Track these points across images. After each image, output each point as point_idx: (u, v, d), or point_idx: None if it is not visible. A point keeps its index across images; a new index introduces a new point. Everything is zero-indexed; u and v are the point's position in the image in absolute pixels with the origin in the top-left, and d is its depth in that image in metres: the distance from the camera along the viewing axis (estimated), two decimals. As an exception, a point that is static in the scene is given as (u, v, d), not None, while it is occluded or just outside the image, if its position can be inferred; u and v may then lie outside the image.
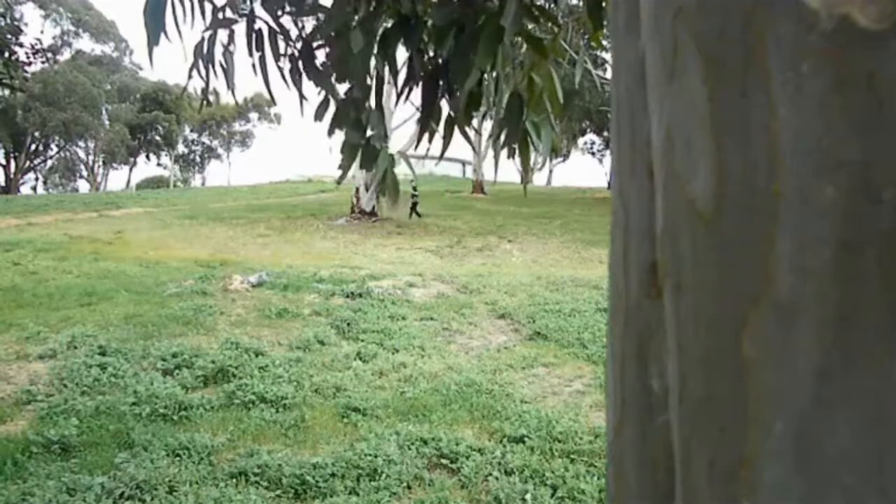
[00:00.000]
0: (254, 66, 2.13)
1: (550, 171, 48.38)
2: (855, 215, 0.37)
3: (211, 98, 2.25)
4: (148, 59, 1.98)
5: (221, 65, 2.14)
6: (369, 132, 2.07)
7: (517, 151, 2.05)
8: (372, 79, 2.02)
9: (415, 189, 20.44)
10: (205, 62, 2.09)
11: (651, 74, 0.50)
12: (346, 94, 2.08)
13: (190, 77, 2.15)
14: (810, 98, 0.38)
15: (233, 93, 2.24)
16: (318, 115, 2.10)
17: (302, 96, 2.20)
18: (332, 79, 2.06)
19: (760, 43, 0.40)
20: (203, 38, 2.09)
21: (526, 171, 2.11)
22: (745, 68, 0.40)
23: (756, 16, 0.40)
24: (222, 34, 2.11)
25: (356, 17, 1.92)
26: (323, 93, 2.13)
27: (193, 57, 2.09)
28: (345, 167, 2.06)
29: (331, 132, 2.06)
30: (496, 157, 2.15)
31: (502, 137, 2.04)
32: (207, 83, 2.16)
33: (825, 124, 0.37)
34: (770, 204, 0.39)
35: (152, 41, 1.90)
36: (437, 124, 2.07)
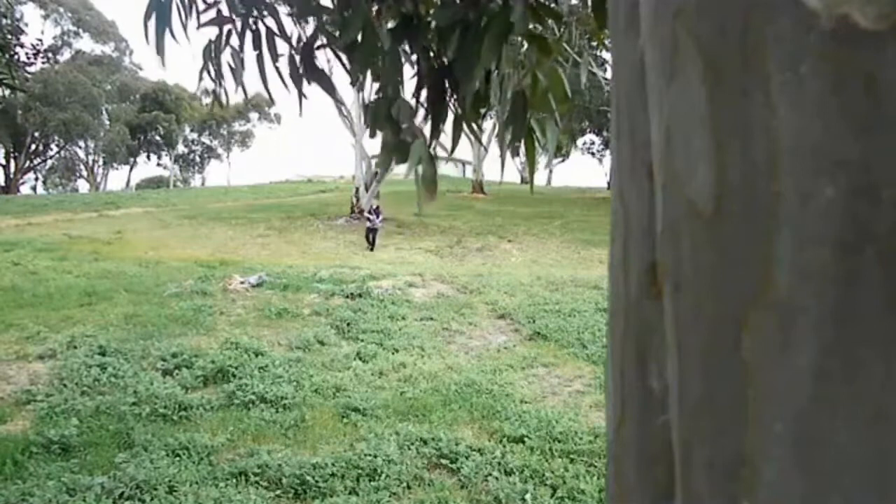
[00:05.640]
0: (261, 69, 2.13)
1: (550, 171, 48.37)
2: (855, 215, 0.37)
3: (222, 99, 2.26)
4: (156, 58, 2.00)
5: (230, 66, 2.15)
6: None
7: (523, 149, 2.06)
8: (402, 75, 2.03)
9: (376, 211, 16.03)
10: (214, 64, 2.09)
11: (651, 74, 0.50)
12: (377, 93, 2.08)
13: (201, 79, 2.16)
14: (810, 98, 0.38)
15: (244, 92, 2.25)
16: (373, 132, 2.08)
17: (301, 95, 2.20)
18: (354, 77, 2.06)
19: (760, 43, 0.40)
20: (211, 41, 2.09)
21: (532, 168, 2.12)
22: (745, 68, 0.40)
23: (756, 16, 0.40)
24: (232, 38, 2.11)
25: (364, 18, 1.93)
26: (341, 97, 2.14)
27: (203, 59, 2.10)
28: (382, 164, 2.09)
29: (373, 133, 2.07)
30: (502, 157, 2.14)
31: (507, 136, 2.04)
32: (218, 84, 2.17)
33: (825, 124, 0.37)
34: (770, 204, 0.39)
35: (159, 43, 1.91)
36: (444, 124, 2.07)
